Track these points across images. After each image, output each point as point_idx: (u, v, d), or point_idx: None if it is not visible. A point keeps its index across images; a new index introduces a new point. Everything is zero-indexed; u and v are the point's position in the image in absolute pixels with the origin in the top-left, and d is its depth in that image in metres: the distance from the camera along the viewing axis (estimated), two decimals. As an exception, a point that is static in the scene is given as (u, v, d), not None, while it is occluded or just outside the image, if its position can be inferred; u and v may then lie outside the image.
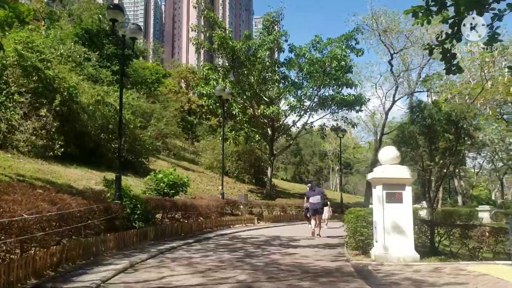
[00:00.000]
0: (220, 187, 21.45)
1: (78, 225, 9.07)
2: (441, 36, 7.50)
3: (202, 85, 26.39)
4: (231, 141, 29.14)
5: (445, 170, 10.36)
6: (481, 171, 53.15)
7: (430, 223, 10.38)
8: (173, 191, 17.39)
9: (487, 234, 9.69)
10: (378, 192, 9.73)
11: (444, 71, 8.33)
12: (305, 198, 17.93)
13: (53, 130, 18.42)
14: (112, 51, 32.78)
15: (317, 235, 15.31)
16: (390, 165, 9.73)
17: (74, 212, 8.89)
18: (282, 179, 55.93)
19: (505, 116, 26.83)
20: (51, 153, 18.18)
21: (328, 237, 15.19)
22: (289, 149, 59.95)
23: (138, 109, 30.72)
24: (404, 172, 9.53)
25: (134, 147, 23.02)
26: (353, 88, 27.79)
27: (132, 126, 23.12)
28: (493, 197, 57.52)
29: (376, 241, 9.72)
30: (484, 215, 32.07)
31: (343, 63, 25.43)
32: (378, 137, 34.60)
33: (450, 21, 7.17)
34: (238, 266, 8.57)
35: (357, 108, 27.91)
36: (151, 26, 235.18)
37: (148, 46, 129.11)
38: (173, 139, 32.41)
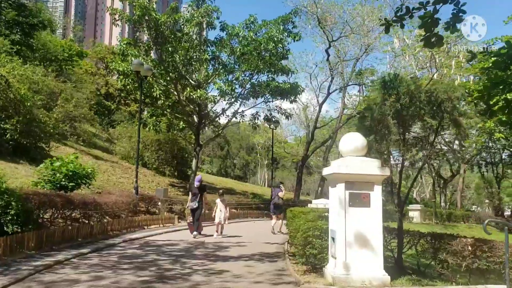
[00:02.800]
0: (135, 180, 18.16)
1: None
2: (401, 10, 6.08)
3: (119, 62, 22.75)
4: (151, 128, 25.76)
5: (420, 164, 8.26)
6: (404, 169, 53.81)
7: (398, 233, 8.20)
8: (73, 184, 13.96)
9: (469, 248, 7.67)
10: (338, 193, 7.35)
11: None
12: (189, 195, 14.39)
13: None
14: (13, 18, 27.86)
15: (278, 231, 15.32)
16: (354, 157, 7.40)
17: None
18: (207, 172, 53.07)
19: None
20: None
21: (266, 242, 12.66)
22: (215, 142, 57.17)
23: (44, 87, 26.41)
24: (373, 167, 7.23)
25: (31, 129, 19.00)
26: (289, 75, 25.64)
27: (29, 104, 19.09)
28: (414, 195, 58.85)
29: (334, 257, 7.35)
30: (415, 214, 31.71)
31: (280, 45, 23.12)
32: (310, 131, 32.98)
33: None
34: (143, 300, 5.76)
35: (292, 98, 25.78)
36: (73, 7, 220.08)
37: (68, 25, 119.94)
38: (83, 123, 28.28)
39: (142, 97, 25.11)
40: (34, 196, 10.04)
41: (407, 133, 7.68)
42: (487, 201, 40.52)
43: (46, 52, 35.74)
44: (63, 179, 13.77)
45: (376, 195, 7.26)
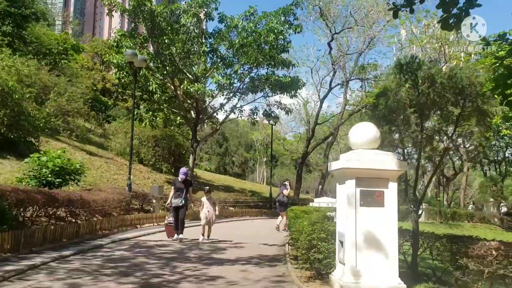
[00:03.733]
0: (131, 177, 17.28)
1: None
2: (412, -6, 5.46)
3: (113, 54, 21.83)
4: (147, 124, 24.83)
5: (439, 159, 7.41)
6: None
7: (414, 235, 7.35)
8: (60, 180, 13.11)
9: (493, 252, 6.82)
10: (348, 190, 6.49)
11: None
12: (172, 190, 12.29)
13: None
14: (4, 8, 26.89)
15: (283, 229, 15.27)
16: (367, 150, 6.53)
17: None
18: (205, 170, 52.13)
19: None
20: None
21: (265, 243, 11.79)
22: (213, 139, 56.26)
23: (37, 81, 25.48)
24: (389, 161, 6.37)
25: (19, 122, 18.09)
26: (289, 69, 24.76)
27: (17, 97, 18.16)
28: (416, 193, 57.95)
29: (342, 263, 6.50)
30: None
31: (280, 37, 22.21)
32: (311, 127, 32.13)
33: None
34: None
35: (292, 92, 24.88)
36: (72, 4, 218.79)
37: (67, 19, 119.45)
38: (77, 118, 27.35)
39: (139, 92, 24.27)
40: (10, 193, 9.16)
41: (425, 123, 6.81)
42: (491, 200, 39.71)
43: (40, 45, 34.77)
44: (50, 175, 12.94)
45: (391, 193, 6.41)
